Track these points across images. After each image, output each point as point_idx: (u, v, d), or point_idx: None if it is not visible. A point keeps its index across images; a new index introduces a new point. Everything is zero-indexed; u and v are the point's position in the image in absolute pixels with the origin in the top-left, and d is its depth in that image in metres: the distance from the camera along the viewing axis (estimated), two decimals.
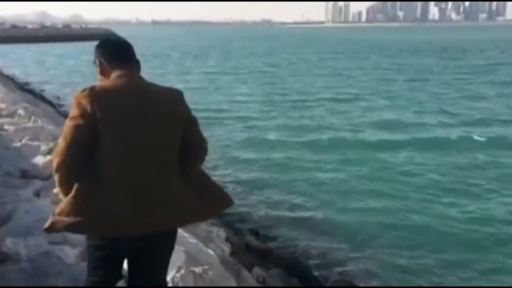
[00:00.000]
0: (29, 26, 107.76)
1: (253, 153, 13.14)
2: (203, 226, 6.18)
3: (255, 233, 8.11)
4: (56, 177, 2.14)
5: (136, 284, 2.35)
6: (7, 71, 31.77)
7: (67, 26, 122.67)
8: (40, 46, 66.00)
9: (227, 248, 5.82)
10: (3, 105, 10.06)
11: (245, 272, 5.20)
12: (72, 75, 31.76)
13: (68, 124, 2.08)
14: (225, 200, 2.47)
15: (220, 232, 6.21)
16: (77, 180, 2.10)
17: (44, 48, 63.91)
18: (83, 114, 2.04)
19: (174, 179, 2.19)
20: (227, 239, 6.24)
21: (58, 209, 2.12)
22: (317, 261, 7.29)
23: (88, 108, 2.03)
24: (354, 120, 17.23)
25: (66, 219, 2.07)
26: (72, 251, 3.57)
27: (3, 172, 5.58)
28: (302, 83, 28.33)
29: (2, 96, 11.58)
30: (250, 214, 9.00)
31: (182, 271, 3.49)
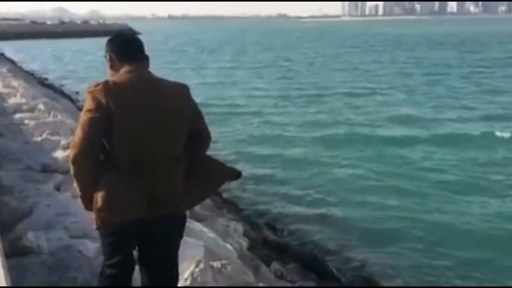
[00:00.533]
0: (48, 22, 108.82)
1: (269, 148, 13.13)
2: (221, 221, 6.19)
3: (272, 227, 8.12)
4: (72, 168, 2.20)
5: (146, 271, 2.42)
6: (26, 66, 32.17)
7: (85, 22, 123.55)
8: (58, 42, 66.71)
9: (244, 243, 5.82)
10: (23, 100, 10.21)
11: (263, 267, 5.20)
12: (90, 70, 32.04)
13: (84, 117, 2.16)
14: (234, 171, 2.67)
15: (237, 227, 6.20)
16: (93, 171, 2.19)
17: (63, 43, 64.57)
18: (98, 107, 2.13)
19: (179, 168, 2.33)
20: (245, 234, 6.24)
21: (97, 206, 2.20)
22: (334, 257, 7.26)
23: (103, 101, 2.13)
24: (372, 115, 17.07)
25: (109, 212, 2.20)
26: (93, 245, 3.60)
27: (24, 166, 5.67)
28: (318, 78, 28.18)
29: (22, 91, 11.74)
30: (266, 208, 9.01)
31: (201, 265, 3.49)
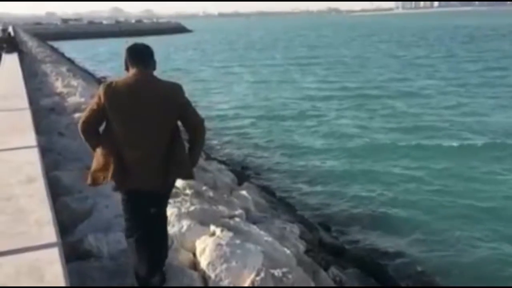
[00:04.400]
0: (104, 22, 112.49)
1: (325, 146, 12.89)
2: (277, 223, 6.05)
3: (327, 228, 7.93)
4: (81, 134, 2.99)
5: (147, 230, 3.05)
6: (83, 65, 33.28)
7: (139, 21, 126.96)
8: (114, 41, 68.67)
9: (302, 246, 5.66)
10: (82, 99, 10.43)
11: (322, 273, 5.01)
12: None
13: (89, 106, 2.98)
14: (189, 174, 3.13)
15: (293, 229, 6.03)
16: (93, 139, 2.96)
17: (118, 42, 66.51)
18: (98, 103, 2.89)
19: (161, 154, 2.93)
20: (301, 236, 6.07)
21: (92, 168, 2.96)
22: (392, 259, 7.04)
23: (102, 99, 2.86)
24: (439, 115, 16.11)
25: (101, 174, 2.92)
26: None
27: (83, 165, 5.71)
28: (372, 75, 27.42)
29: (81, 90, 12.04)
30: (321, 208, 8.86)
31: (262, 274, 3.36)
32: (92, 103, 2.94)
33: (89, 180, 2.97)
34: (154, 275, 3.06)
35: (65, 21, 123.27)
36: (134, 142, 2.88)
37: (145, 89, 2.88)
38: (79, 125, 2.95)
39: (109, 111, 2.84)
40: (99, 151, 2.95)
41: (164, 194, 3.10)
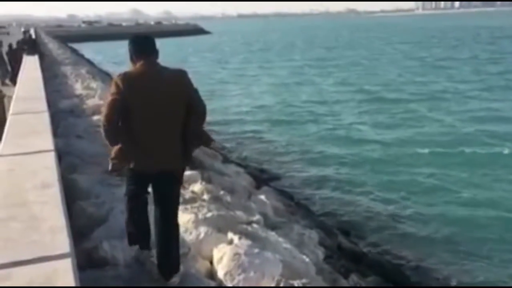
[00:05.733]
0: (124, 24, 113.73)
1: (343, 150, 12.72)
2: (296, 228, 5.94)
3: (346, 233, 7.78)
4: (102, 132, 3.06)
5: (157, 206, 3.23)
6: (103, 67, 33.58)
7: (158, 22, 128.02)
8: None
9: (320, 253, 5.54)
10: (101, 102, 10.43)
11: (342, 281, 4.88)
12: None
13: (109, 98, 3.02)
14: (210, 138, 3.39)
15: (312, 235, 5.93)
16: (116, 134, 3.04)
17: None
18: (118, 92, 2.97)
19: (176, 134, 3.12)
20: (320, 241, 5.95)
21: (112, 156, 3.09)
22: (413, 266, 6.89)
23: (121, 87, 2.96)
24: (462, 120, 15.69)
25: (119, 161, 3.10)
26: None
27: (101, 169, 5.67)
28: (392, 77, 27.08)
29: (100, 92, 12.07)
30: (339, 213, 8.74)
31: (281, 285, 3.24)
32: (109, 99, 3.01)
33: (110, 167, 3.16)
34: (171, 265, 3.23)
35: (90, 23, 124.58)
36: (153, 126, 3.03)
37: (156, 77, 3.06)
38: (103, 122, 3.01)
39: (128, 98, 2.96)
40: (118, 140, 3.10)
41: (181, 174, 3.30)
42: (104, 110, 3.03)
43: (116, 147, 3.06)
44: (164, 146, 3.09)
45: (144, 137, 3.05)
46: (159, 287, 3.22)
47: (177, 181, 3.26)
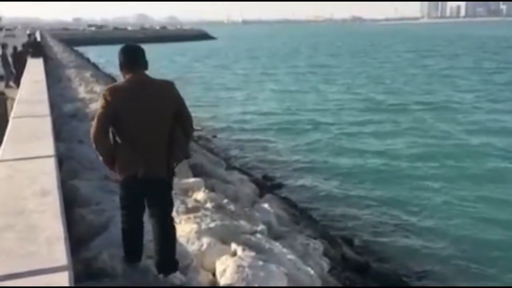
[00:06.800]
0: (129, 28, 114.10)
1: (347, 159, 12.62)
2: (300, 238, 5.83)
3: (350, 242, 7.68)
4: (93, 145, 3.15)
5: (153, 215, 3.29)
6: (108, 70, 33.60)
7: (163, 27, 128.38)
8: None
9: (325, 264, 5.43)
10: None
11: None
12: (164, 75, 32.85)
13: (99, 111, 3.11)
14: (188, 153, 3.57)
15: (316, 245, 5.80)
16: (105, 145, 3.14)
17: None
18: (107, 105, 3.05)
19: (164, 144, 3.19)
20: (324, 252, 5.85)
21: (117, 168, 3.20)
22: (418, 279, 6.75)
23: (110, 99, 3.05)
24: (469, 132, 15.47)
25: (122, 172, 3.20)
26: None
27: (101, 175, 5.58)
28: (397, 85, 26.94)
29: None
30: (343, 221, 8.65)
31: None
32: (98, 113, 3.11)
33: (117, 179, 3.32)
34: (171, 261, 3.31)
35: (99, 27, 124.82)
36: (143, 137, 3.10)
37: (144, 89, 3.12)
38: (92, 136, 3.11)
39: (117, 110, 3.04)
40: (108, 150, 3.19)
41: (168, 182, 3.31)
42: (94, 123, 3.13)
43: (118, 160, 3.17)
44: (154, 155, 3.15)
45: (135, 147, 3.12)
46: (159, 287, 3.22)
47: (170, 187, 3.34)
